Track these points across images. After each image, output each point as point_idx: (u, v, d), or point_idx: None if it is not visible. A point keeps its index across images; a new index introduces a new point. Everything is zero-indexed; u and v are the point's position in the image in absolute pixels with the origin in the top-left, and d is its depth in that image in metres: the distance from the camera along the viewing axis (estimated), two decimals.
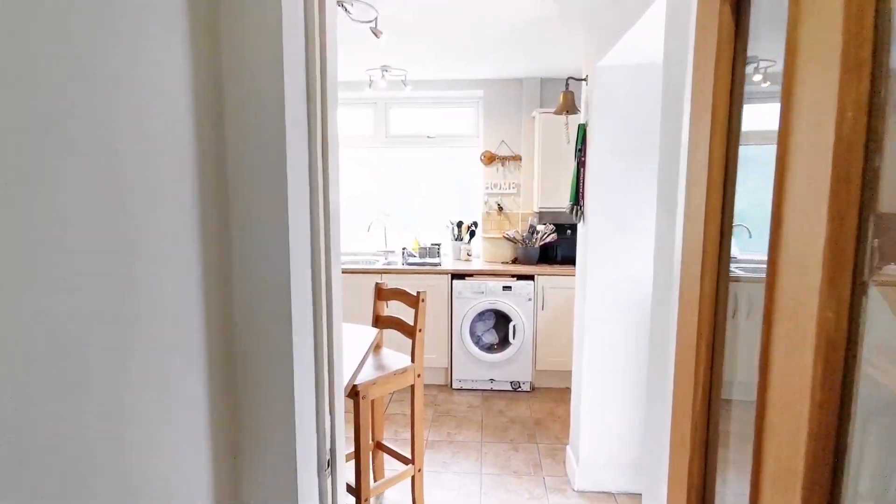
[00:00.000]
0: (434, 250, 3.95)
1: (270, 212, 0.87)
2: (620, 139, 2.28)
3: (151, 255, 0.67)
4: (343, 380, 1.23)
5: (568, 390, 3.72)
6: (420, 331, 2.22)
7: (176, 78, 0.71)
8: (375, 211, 4.42)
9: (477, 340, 3.78)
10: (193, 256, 0.76)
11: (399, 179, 4.44)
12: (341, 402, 1.18)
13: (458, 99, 4.29)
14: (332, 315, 1.08)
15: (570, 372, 3.75)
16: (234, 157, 0.86)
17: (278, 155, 0.85)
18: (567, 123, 2.52)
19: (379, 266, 3.84)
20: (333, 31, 1.06)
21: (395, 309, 2.57)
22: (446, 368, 3.85)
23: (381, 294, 2.43)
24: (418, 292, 2.22)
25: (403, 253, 4.00)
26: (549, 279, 3.67)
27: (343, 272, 3.76)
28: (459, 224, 4.15)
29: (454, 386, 3.79)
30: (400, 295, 2.32)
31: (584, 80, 2.39)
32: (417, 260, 3.94)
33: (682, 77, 1.17)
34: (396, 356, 2.32)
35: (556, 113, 2.47)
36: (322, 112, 1.02)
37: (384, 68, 3.60)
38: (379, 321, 2.42)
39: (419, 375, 2.24)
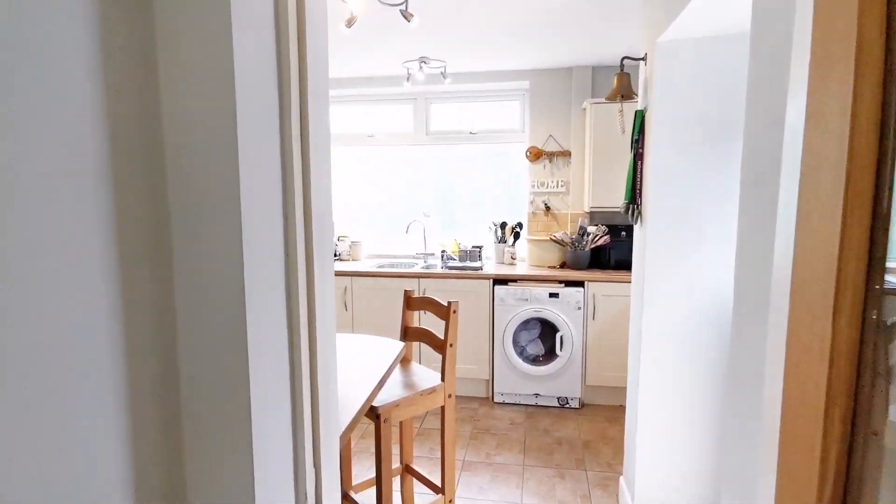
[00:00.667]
0: (475, 253, 3.70)
1: (219, 216, 0.66)
2: (686, 126, 1.95)
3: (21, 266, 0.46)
4: (337, 414, 1.01)
5: (622, 409, 3.37)
6: (451, 346, 1.98)
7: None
8: (415, 211, 4.22)
9: (520, 351, 3.50)
10: (96, 263, 0.56)
11: (440, 178, 4.22)
12: (333, 445, 0.96)
13: (502, 91, 4.02)
14: (316, 333, 0.86)
15: (624, 389, 3.40)
16: (173, 150, 0.66)
17: (228, 149, 0.64)
18: (622, 110, 2.21)
19: (417, 269, 3.64)
20: (322, 7, 0.84)
21: (429, 320, 2.35)
22: (487, 380, 3.59)
23: (409, 303, 2.21)
24: (449, 303, 1.98)
25: (443, 256, 3.77)
26: (600, 286, 3.33)
27: (378, 275, 3.59)
28: (503, 225, 3.88)
29: (496, 399, 3.53)
30: (430, 305, 2.09)
31: (643, 59, 2.07)
32: (457, 263, 3.70)
33: (782, 39, 0.87)
34: (426, 373, 2.09)
35: (610, 99, 2.16)
36: (301, 102, 0.80)
37: (422, 60, 3.39)
38: (408, 333, 2.20)
39: (450, 396, 2.00)
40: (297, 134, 0.80)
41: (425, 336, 2.10)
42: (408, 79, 3.57)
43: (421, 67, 3.41)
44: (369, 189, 4.33)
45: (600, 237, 3.53)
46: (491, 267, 3.69)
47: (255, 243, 0.69)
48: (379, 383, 1.60)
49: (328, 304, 0.91)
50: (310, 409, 0.86)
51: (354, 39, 3.00)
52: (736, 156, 1.87)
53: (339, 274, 3.63)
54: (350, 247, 4.11)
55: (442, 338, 2.00)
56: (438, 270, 3.59)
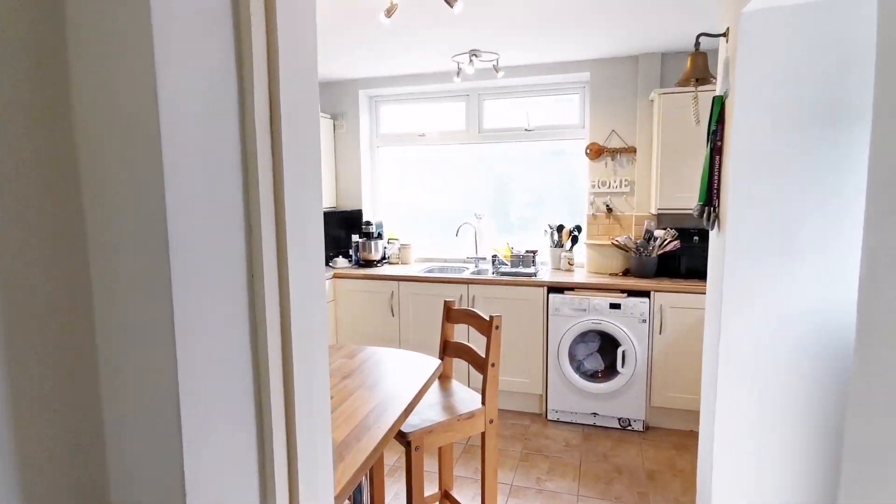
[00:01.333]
0: (528, 258, 3.45)
1: (137, 216, 0.50)
2: (777, 112, 1.62)
3: None
4: (329, 459, 0.84)
5: (693, 434, 3.00)
6: (493, 365, 1.77)
7: None
8: (467, 213, 4.04)
9: (577, 366, 3.21)
10: None
11: (493, 179, 4.00)
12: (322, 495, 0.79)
13: (560, 85, 3.74)
14: (293, 360, 0.69)
15: (695, 413, 3.03)
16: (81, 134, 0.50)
17: (150, 140, 0.48)
18: (696, 97, 1.91)
19: (466, 275, 3.45)
20: None
21: (476, 334, 2.15)
22: (540, 396, 3.33)
23: (449, 315, 2.02)
24: (491, 317, 1.77)
25: (494, 261, 3.55)
26: (669, 297, 2.99)
27: (426, 280, 3.43)
28: (560, 228, 3.60)
29: (549, 417, 3.26)
30: (470, 318, 1.89)
31: (723, 34, 1.76)
32: (509, 269, 3.47)
33: None
34: (467, 394, 1.90)
35: (682, 84, 1.87)
36: (270, 85, 0.63)
37: (473, 53, 3.20)
38: (447, 348, 2.02)
39: (491, 421, 1.79)
40: (266, 115, 0.63)
41: (466, 353, 1.91)
42: (458, 74, 3.38)
43: (471, 61, 3.21)
44: (420, 190, 4.19)
45: (669, 242, 3.17)
46: (546, 273, 3.43)
47: (191, 253, 0.53)
48: (408, 407, 1.42)
49: (314, 318, 0.74)
50: (284, 460, 0.69)
51: (398, 32, 2.85)
52: (845, 146, 1.53)
53: (384, 278, 3.51)
54: (399, 250, 3.98)
55: (484, 356, 1.79)
56: (489, 276, 3.38)
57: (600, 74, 3.49)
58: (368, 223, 3.82)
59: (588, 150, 3.56)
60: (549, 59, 3.46)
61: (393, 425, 1.30)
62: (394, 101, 4.16)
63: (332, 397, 1.46)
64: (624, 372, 3.04)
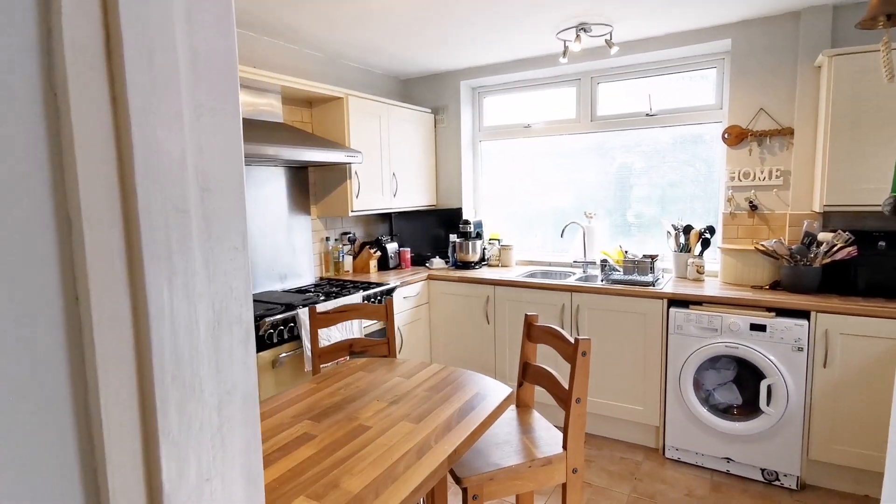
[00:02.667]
0: (645, 265, 2.93)
1: None
2: None
3: None
4: None
5: (868, 501, 2.28)
6: (578, 401, 1.40)
7: None
8: (576, 211, 3.60)
9: (706, 397, 2.63)
10: None
11: (607, 172, 3.52)
12: None
13: (691, 59, 3.14)
14: (160, 440, 0.45)
15: (873, 474, 2.29)
16: None
17: None
18: (888, 43, 1.34)
19: (571, 281, 3.03)
20: None
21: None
22: (657, 428, 2.80)
23: (530, 332, 1.68)
24: (577, 340, 1.40)
25: (604, 266, 3.09)
26: (839, 319, 2.29)
27: (523, 286, 3.09)
28: (687, 229, 3.02)
29: (668, 454, 2.73)
30: (552, 338, 1.54)
31: None
32: (621, 276, 2.98)
33: None
34: (547, 432, 1.55)
35: (865, 24, 1.31)
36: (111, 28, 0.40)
37: (581, 27, 2.78)
38: (528, 371, 1.68)
39: (575, 471, 1.42)
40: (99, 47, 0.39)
41: (547, 380, 1.56)
42: (564, 54, 2.98)
43: (578, 37, 2.80)
44: (524, 187, 3.85)
45: (839, 248, 2.45)
46: (668, 283, 2.88)
47: None
48: (453, 453, 1.13)
49: (216, 362, 0.49)
50: None
51: (495, 9, 2.55)
52: None
53: (479, 282, 3.24)
54: (499, 251, 3.68)
55: (567, 387, 1.43)
56: (597, 284, 2.93)
57: (746, 40, 2.84)
58: (466, 222, 3.58)
59: (726, 135, 2.92)
60: (676, 27, 2.90)
61: (427, 478, 1.03)
62: (497, 91, 3.86)
63: (368, 428, 1.23)
64: (770, 411, 2.40)
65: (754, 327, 2.43)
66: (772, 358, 2.39)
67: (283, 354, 2.32)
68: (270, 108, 2.75)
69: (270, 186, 2.99)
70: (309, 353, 2.31)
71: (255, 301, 2.62)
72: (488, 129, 3.94)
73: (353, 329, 2.65)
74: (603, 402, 2.89)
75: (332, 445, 1.15)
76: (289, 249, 3.13)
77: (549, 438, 1.51)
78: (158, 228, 0.43)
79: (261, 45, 2.89)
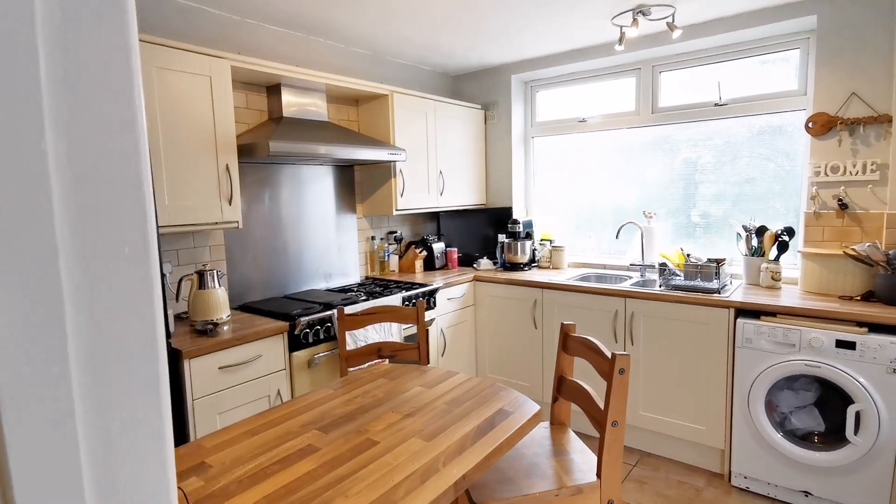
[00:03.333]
0: (710, 270, 2.65)
1: None
2: None
3: None
4: None
5: None
6: (615, 425, 1.24)
7: None
8: (635, 211, 3.36)
9: (781, 420, 2.33)
10: None
11: (670, 168, 3.24)
12: None
13: (768, 40, 2.81)
14: None
15: None
16: None
17: None
18: None
19: (625, 286, 2.81)
20: None
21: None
22: (722, 451, 2.53)
23: (566, 343, 1.53)
24: (615, 356, 1.25)
25: (663, 271, 2.83)
26: None
27: (573, 289, 2.90)
28: (761, 231, 2.70)
29: (734, 482, 2.45)
30: (587, 351, 1.39)
31: None
32: (682, 282, 2.72)
33: None
34: (581, 456, 1.40)
35: None
36: None
37: (639, 9, 2.56)
38: (563, 386, 1.53)
39: (611, 503, 1.26)
40: None
41: (581, 397, 1.40)
42: (620, 41, 2.76)
43: (636, 20, 2.57)
44: (579, 185, 3.64)
45: None
46: (737, 290, 2.59)
47: None
48: (462, 479, 1.02)
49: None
50: None
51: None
52: None
53: (526, 284, 3.08)
54: (550, 252, 3.50)
55: (602, 407, 1.28)
56: (655, 290, 2.69)
57: (834, 16, 2.49)
58: (515, 222, 3.43)
59: (811, 124, 2.59)
60: (750, 4, 2.59)
61: (460, 479, 0.92)
62: (551, 85, 3.68)
63: (376, 443, 1.14)
64: (857, 441, 2.08)
65: (841, 344, 2.11)
66: (861, 380, 2.07)
67: (320, 355, 2.30)
68: (315, 108, 2.75)
69: (317, 185, 3.00)
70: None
71: (294, 299, 2.63)
72: (541, 125, 3.77)
73: (392, 331, 2.59)
74: (659, 419, 2.65)
75: (333, 461, 1.07)
76: (334, 248, 3.13)
77: (582, 463, 1.35)
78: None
79: (306, 45, 2.90)
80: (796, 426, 2.31)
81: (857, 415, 2.08)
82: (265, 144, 2.21)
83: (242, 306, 2.55)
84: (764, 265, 2.64)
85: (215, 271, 2.23)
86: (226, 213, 2.26)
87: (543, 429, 1.55)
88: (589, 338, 1.38)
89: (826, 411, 2.25)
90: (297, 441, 1.16)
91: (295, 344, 2.23)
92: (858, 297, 2.34)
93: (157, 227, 1.84)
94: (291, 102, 2.64)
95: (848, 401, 2.13)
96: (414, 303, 2.84)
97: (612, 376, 1.24)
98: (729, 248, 3.02)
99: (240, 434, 1.20)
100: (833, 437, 2.20)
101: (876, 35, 2.39)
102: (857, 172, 2.50)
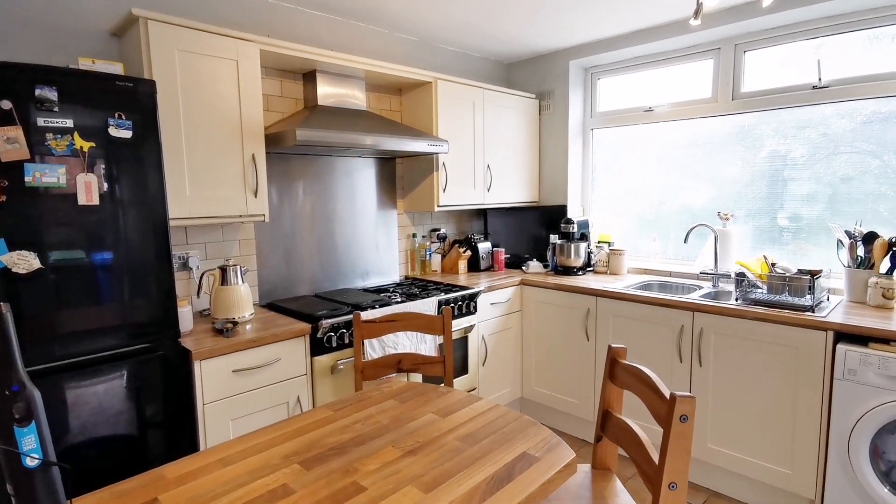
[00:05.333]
0: (801, 282, 2.23)
1: None
2: None
3: None
4: None
5: None
6: (672, 487, 0.95)
7: None
8: (707, 212, 2.95)
9: (887, 470, 1.90)
10: None
11: (752, 162, 2.80)
12: None
13: (880, 11, 2.32)
14: None
15: None
16: None
17: None
18: None
19: (695, 298, 2.43)
20: None
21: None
22: (811, 501, 2.11)
23: (613, 372, 1.24)
24: (675, 397, 0.95)
25: (740, 282, 2.42)
26: None
27: (632, 299, 2.55)
28: (869, 238, 2.24)
29: None
30: (640, 385, 1.10)
31: None
32: (764, 296, 2.31)
33: None
34: None
35: None
36: None
37: None
38: (608, 423, 1.25)
39: None
40: None
41: (630, 443, 1.11)
42: (696, 14, 2.38)
43: None
44: (643, 181, 3.26)
45: None
46: (836, 309, 2.16)
47: None
48: None
49: None
50: None
51: None
52: None
53: (579, 291, 2.77)
54: (608, 256, 3.16)
55: (658, 462, 0.99)
56: (730, 304, 2.30)
57: None
58: (568, 221, 3.12)
59: None
60: None
61: None
62: (614, 71, 3.32)
63: (363, 490, 0.92)
64: None
65: None
66: None
67: (344, 361, 2.12)
68: (353, 97, 2.58)
69: (354, 178, 2.84)
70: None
71: (325, 299, 2.47)
72: (602, 116, 3.42)
73: (426, 340, 2.38)
74: (732, 455, 2.27)
75: None
76: (372, 245, 2.96)
77: None
78: None
79: (346, 30, 2.74)
80: None
81: None
82: (292, 133, 2.06)
83: (270, 304, 2.43)
84: (873, 279, 2.18)
85: (238, 267, 2.11)
86: (251, 206, 2.13)
87: (583, 473, 1.27)
88: (642, 368, 1.09)
89: None
90: (271, 478, 0.96)
91: (318, 347, 2.07)
92: None
93: (168, 218, 1.72)
94: (328, 90, 2.49)
95: None
96: (452, 307, 2.61)
97: (670, 423, 0.95)
98: (825, 258, 2.55)
99: (211, 463, 1.02)
100: None
101: None
102: None
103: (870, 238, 2.24)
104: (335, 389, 2.13)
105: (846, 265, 2.31)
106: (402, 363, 1.74)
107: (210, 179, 2.00)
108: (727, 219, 2.78)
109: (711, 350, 2.30)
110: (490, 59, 3.56)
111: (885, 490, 1.85)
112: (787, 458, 2.12)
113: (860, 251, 2.27)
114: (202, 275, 2.19)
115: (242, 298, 2.11)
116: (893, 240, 2.18)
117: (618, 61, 3.27)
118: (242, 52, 2.05)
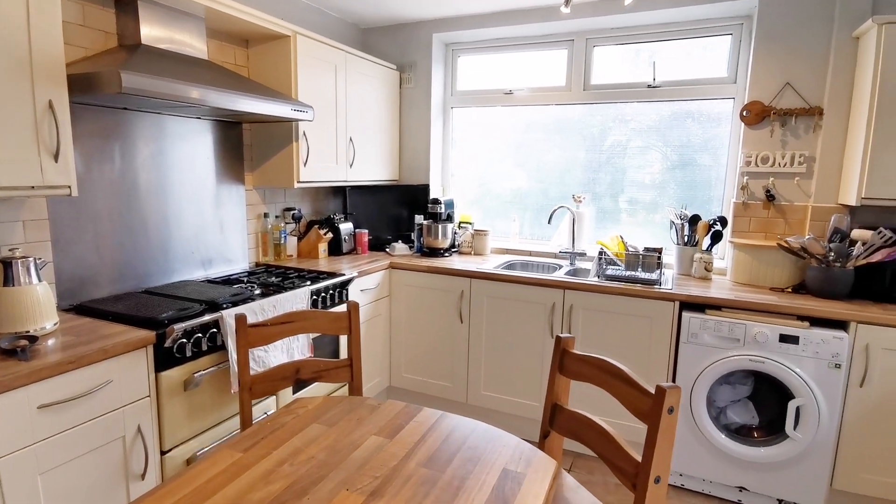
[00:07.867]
0: (651, 259, 2.51)
1: None
2: None
3: None
4: None
5: None
6: (657, 481, 0.91)
7: None
8: (563, 194, 3.15)
9: (716, 415, 2.27)
10: None
11: (601, 150, 3.06)
12: None
13: (705, 22, 2.71)
14: None
15: None
16: None
17: None
18: None
19: (560, 276, 2.56)
20: None
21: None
22: None
23: (563, 361, 1.17)
24: (661, 389, 0.91)
25: (600, 260, 2.64)
26: (882, 332, 1.97)
27: (508, 280, 2.48)
28: (694, 220, 2.62)
29: (672, 481, 2.35)
30: (607, 378, 1.05)
31: None
32: (621, 272, 2.55)
33: None
34: None
35: None
36: None
37: None
38: (557, 417, 1.18)
39: None
40: None
41: (594, 437, 1.06)
42: (566, 4, 2.45)
43: None
44: (502, 163, 3.33)
45: (878, 248, 2.12)
46: (671, 281, 2.48)
47: None
48: None
49: None
50: None
51: None
52: None
53: (453, 273, 2.71)
54: (472, 237, 3.17)
55: (642, 455, 0.94)
56: (593, 280, 2.48)
57: (773, 3, 2.43)
58: (436, 201, 3.03)
59: (745, 112, 2.53)
60: None
61: None
62: (475, 50, 3.30)
63: None
64: (797, 436, 2.06)
65: (785, 339, 2.06)
66: (803, 375, 2.04)
67: (201, 372, 1.69)
68: (189, 39, 2.05)
69: (191, 144, 2.29)
70: (236, 368, 1.69)
71: (160, 295, 1.95)
72: (462, 94, 3.38)
73: (300, 341, 2.05)
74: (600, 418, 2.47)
75: None
76: (215, 227, 2.45)
77: None
78: None
79: None
80: (732, 420, 2.25)
81: (798, 409, 2.06)
82: (115, 76, 1.52)
83: (80, 307, 1.81)
84: (697, 255, 2.56)
85: (32, 259, 1.51)
86: (49, 174, 1.52)
87: None
88: (610, 360, 1.04)
89: (760, 404, 2.22)
90: None
91: (166, 360, 1.61)
92: (789, 290, 2.33)
93: None
94: (156, 29, 1.92)
95: (784, 394, 2.10)
96: (324, 296, 2.31)
97: (658, 416, 0.91)
98: (655, 237, 2.93)
99: None
100: (769, 431, 2.17)
101: (814, 26, 2.38)
102: (786, 164, 2.50)
103: (694, 220, 2.63)
104: (192, 410, 1.69)
105: (676, 243, 2.68)
106: (300, 372, 1.43)
107: None
108: (580, 201, 3.00)
109: (580, 324, 2.46)
110: (347, 22, 3.23)
111: (723, 436, 2.20)
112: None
113: (686, 231, 2.65)
114: None
115: (41, 303, 1.52)
116: (713, 221, 2.59)
117: (480, 40, 3.25)
118: None
